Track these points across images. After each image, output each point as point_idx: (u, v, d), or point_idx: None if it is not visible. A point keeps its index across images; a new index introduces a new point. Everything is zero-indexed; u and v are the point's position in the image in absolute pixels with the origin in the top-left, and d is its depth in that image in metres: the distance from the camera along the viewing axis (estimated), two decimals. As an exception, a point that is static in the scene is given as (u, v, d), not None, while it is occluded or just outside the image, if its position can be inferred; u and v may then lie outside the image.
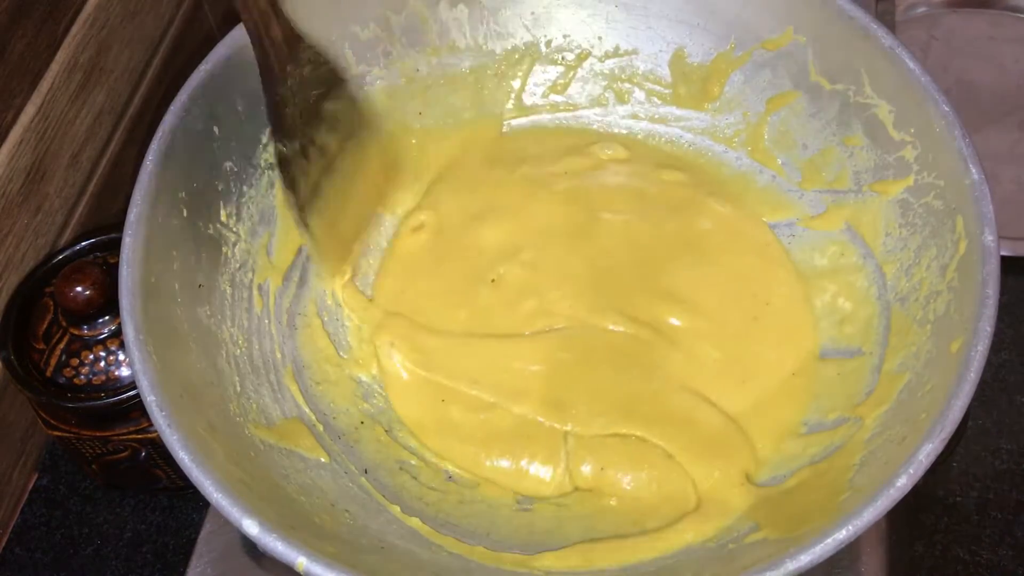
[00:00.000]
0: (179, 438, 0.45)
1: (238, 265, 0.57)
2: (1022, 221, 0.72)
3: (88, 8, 0.64)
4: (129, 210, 0.51)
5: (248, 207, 0.58)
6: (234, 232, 0.57)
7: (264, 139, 0.59)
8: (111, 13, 0.66)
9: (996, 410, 0.66)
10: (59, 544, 0.63)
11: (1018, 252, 0.69)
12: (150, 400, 0.46)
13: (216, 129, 0.56)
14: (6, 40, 0.57)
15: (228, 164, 0.57)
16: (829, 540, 0.41)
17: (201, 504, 0.60)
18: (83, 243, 0.62)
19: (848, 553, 0.52)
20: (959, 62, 0.81)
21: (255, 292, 0.57)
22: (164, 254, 0.52)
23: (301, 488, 0.50)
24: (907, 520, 0.61)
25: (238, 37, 0.57)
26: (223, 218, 0.56)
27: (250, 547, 0.54)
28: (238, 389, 0.53)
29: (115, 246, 0.51)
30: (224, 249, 0.56)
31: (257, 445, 0.51)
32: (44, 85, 0.61)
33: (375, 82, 0.64)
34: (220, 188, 0.57)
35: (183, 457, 0.44)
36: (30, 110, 0.60)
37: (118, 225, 0.51)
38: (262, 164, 0.59)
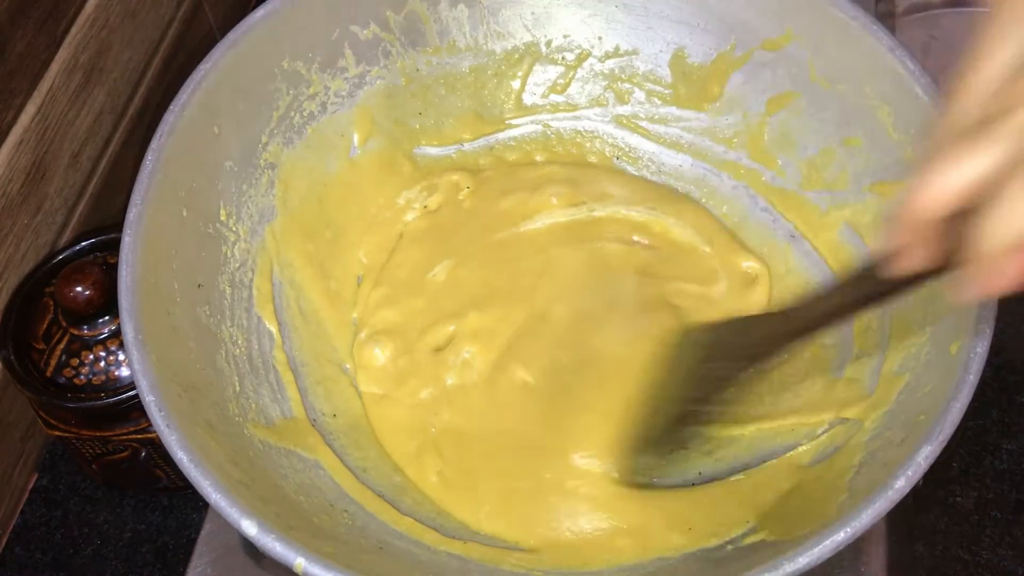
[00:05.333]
0: (178, 438, 0.45)
1: (238, 264, 0.57)
2: (1022, 221, 0.72)
3: (88, 8, 0.64)
4: (128, 209, 0.51)
5: (248, 206, 0.58)
6: (234, 231, 0.57)
7: (264, 139, 0.59)
8: (111, 13, 0.66)
9: (996, 410, 0.66)
10: (59, 544, 0.63)
11: (1018, 252, 0.69)
12: (149, 400, 0.46)
13: (216, 128, 0.56)
14: (6, 40, 0.57)
15: (228, 164, 0.57)
16: (828, 542, 0.41)
17: (201, 504, 0.60)
18: (83, 243, 0.62)
19: (848, 553, 0.52)
20: (959, 62, 0.81)
21: (255, 292, 0.57)
22: (164, 254, 0.52)
23: (300, 488, 0.50)
24: (907, 520, 0.61)
25: (238, 37, 0.57)
26: (223, 217, 0.56)
27: (250, 547, 0.54)
28: (237, 389, 0.53)
29: (115, 246, 0.51)
30: (224, 248, 0.56)
31: (256, 445, 0.51)
32: (44, 85, 0.61)
33: (375, 82, 0.64)
34: (220, 187, 0.57)
35: (181, 457, 0.44)
36: (30, 110, 0.60)
37: (118, 225, 0.51)
38: (262, 164, 0.59)
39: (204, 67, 0.55)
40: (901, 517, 0.57)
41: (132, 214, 0.51)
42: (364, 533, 0.50)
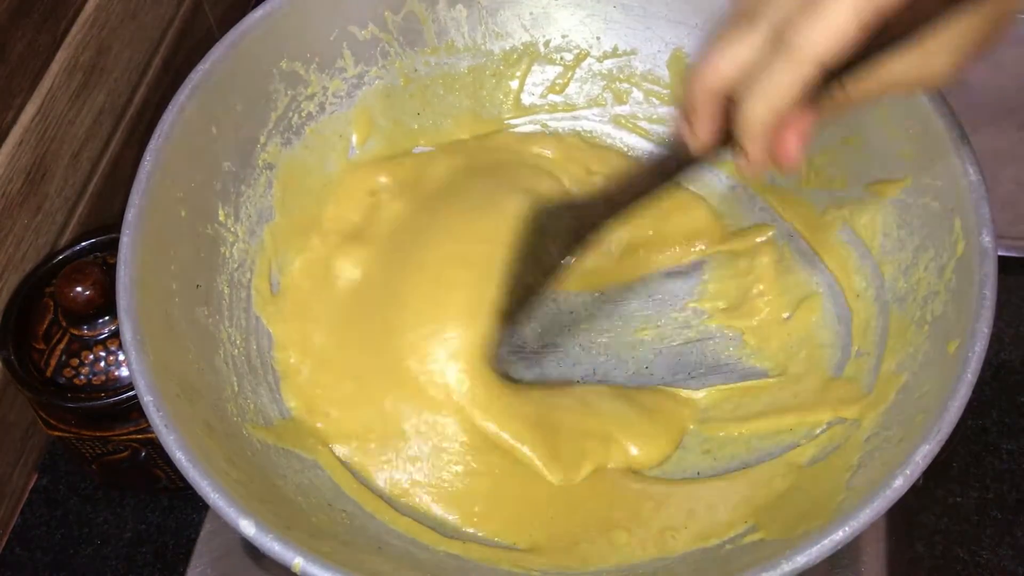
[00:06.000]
0: (176, 438, 0.45)
1: (236, 265, 0.57)
2: (1022, 221, 0.71)
3: (88, 8, 0.64)
4: (127, 209, 0.51)
5: (246, 207, 0.58)
6: (232, 232, 0.57)
7: (262, 139, 0.59)
8: (111, 13, 0.66)
9: (996, 410, 0.66)
10: (59, 544, 0.63)
11: (1018, 252, 0.69)
12: (147, 400, 0.46)
13: (214, 129, 0.56)
14: (6, 40, 0.57)
15: (226, 164, 0.57)
16: (826, 541, 0.42)
17: (201, 504, 0.60)
18: (83, 243, 0.62)
19: (848, 553, 0.52)
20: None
21: (253, 292, 0.57)
22: (162, 254, 0.52)
23: (299, 488, 0.50)
24: (907, 520, 0.60)
25: (236, 37, 0.57)
26: (221, 218, 0.56)
27: (250, 547, 0.54)
28: (236, 389, 0.53)
29: (115, 246, 0.51)
30: (222, 249, 0.56)
31: (255, 445, 0.51)
32: (44, 85, 0.61)
33: (373, 82, 0.64)
34: (218, 188, 0.57)
35: (180, 457, 0.44)
36: (30, 110, 0.60)
37: (118, 225, 0.51)
38: (260, 164, 0.59)
39: (202, 67, 0.56)
40: (901, 517, 0.57)
41: (130, 214, 0.51)
42: (363, 533, 0.50)
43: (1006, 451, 0.64)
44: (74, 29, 0.63)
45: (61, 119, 0.63)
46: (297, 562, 0.42)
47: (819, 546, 0.41)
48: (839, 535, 0.42)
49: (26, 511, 0.64)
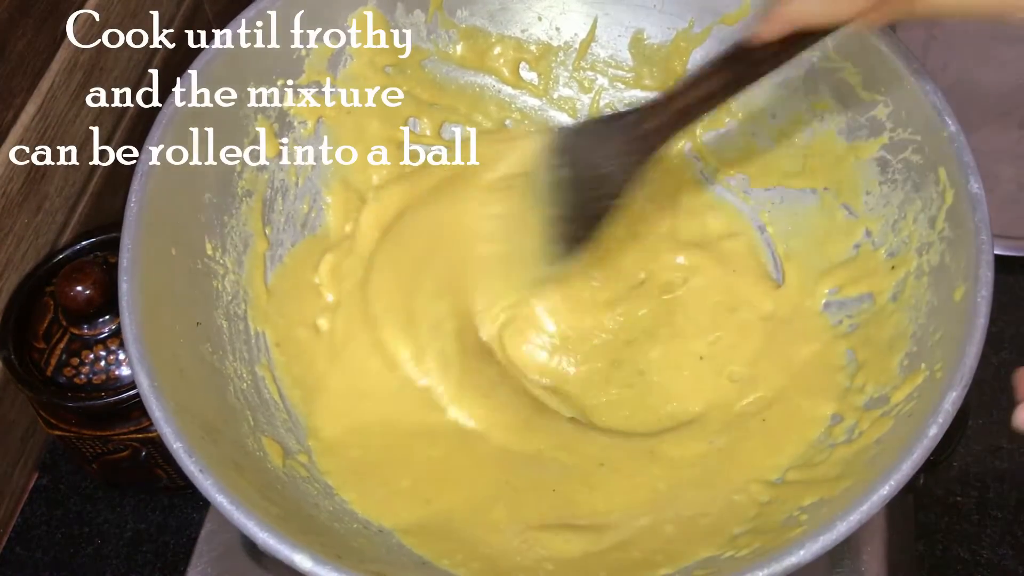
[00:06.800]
0: (213, 482, 0.44)
1: (230, 297, 0.56)
2: (1022, 221, 0.72)
3: (88, 7, 0.64)
4: (120, 255, 0.49)
5: (231, 237, 0.57)
6: (221, 264, 0.56)
7: (238, 167, 0.58)
8: (111, 12, 0.66)
9: (996, 410, 0.66)
10: (59, 543, 0.63)
11: (1018, 252, 0.69)
12: (177, 447, 0.44)
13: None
14: (6, 40, 0.57)
15: (207, 195, 0.56)
16: (875, 497, 0.42)
17: (201, 503, 0.60)
18: (83, 242, 0.62)
19: (848, 552, 0.52)
20: (959, 62, 0.81)
21: (250, 322, 0.56)
22: (161, 295, 0.50)
23: (332, 515, 0.50)
24: (907, 520, 0.61)
25: (201, 66, 0.55)
26: (209, 251, 0.55)
27: (251, 546, 0.54)
28: (252, 423, 0.52)
29: (115, 245, 0.50)
30: (215, 283, 0.55)
31: (282, 478, 0.50)
32: (44, 85, 0.61)
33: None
34: (203, 221, 0.55)
35: (221, 500, 0.43)
36: (30, 110, 0.60)
37: (118, 224, 0.51)
38: (239, 192, 0.58)
39: (173, 101, 0.54)
40: (901, 516, 0.57)
41: (125, 259, 0.49)
42: (402, 551, 0.49)
43: (1006, 451, 0.64)
44: (74, 28, 0.63)
45: (61, 119, 0.63)
46: None
47: (869, 503, 0.42)
48: (885, 490, 0.42)
49: (26, 510, 0.65)
